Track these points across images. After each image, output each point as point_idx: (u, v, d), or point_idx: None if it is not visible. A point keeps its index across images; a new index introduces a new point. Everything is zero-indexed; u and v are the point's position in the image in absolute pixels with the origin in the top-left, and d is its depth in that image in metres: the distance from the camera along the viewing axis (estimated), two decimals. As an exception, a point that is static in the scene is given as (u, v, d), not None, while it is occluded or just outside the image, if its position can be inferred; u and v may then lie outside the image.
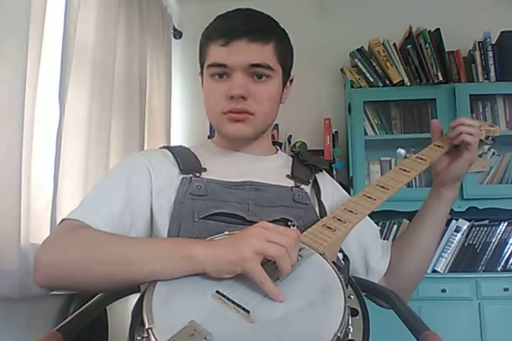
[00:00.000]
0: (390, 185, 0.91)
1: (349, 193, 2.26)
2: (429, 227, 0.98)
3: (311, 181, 1.01)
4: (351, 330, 0.62)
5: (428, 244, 0.99)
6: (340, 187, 1.10)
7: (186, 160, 0.94)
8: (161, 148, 1.01)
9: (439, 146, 0.98)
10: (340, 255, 0.86)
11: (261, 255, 0.65)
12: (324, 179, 1.06)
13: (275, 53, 0.92)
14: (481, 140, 0.99)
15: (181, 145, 1.01)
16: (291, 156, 1.07)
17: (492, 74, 2.35)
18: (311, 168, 1.03)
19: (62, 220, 0.84)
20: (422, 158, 0.96)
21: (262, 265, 0.65)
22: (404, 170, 0.94)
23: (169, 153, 0.97)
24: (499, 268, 2.23)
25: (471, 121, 0.95)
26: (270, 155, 1.04)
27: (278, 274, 0.67)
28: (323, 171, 1.08)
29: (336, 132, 2.51)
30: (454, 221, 2.30)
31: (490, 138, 1.03)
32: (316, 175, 1.04)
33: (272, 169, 1.00)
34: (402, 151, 1.01)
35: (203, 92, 0.97)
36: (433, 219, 0.98)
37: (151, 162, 0.93)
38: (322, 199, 0.98)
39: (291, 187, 0.95)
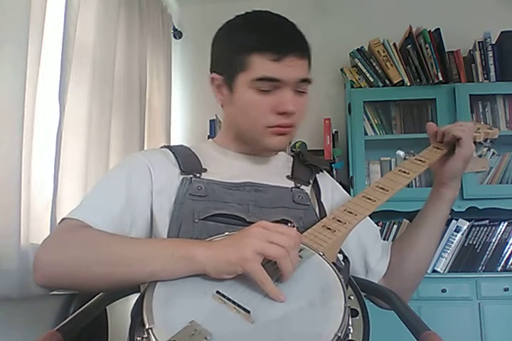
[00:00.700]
0: (390, 187, 0.91)
1: (349, 193, 2.26)
2: (429, 228, 0.98)
3: (311, 182, 1.01)
4: (351, 331, 0.62)
5: (428, 244, 0.99)
6: (341, 186, 1.10)
7: (187, 161, 0.94)
8: (162, 147, 1.01)
9: (437, 148, 0.99)
10: (341, 256, 0.86)
11: (261, 255, 0.65)
12: (324, 179, 1.06)
13: (309, 66, 0.94)
14: (479, 142, 1.00)
15: (182, 145, 1.01)
16: (292, 156, 1.07)
17: (492, 74, 2.35)
18: (311, 168, 1.03)
19: (63, 219, 0.84)
20: (421, 160, 0.97)
21: (262, 265, 0.65)
22: (404, 172, 0.95)
23: (170, 152, 0.96)
24: (499, 268, 2.23)
25: (460, 125, 0.96)
26: (271, 156, 1.03)
27: (281, 277, 0.66)
28: (324, 171, 1.08)
29: (336, 132, 2.51)
30: (454, 221, 2.30)
31: (488, 141, 1.04)
32: (317, 175, 1.03)
33: (272, 170, 1.00)
34: (401, 153, 1.01)
35: (237, 101, 0.91)
36: (434, 220, 0.98)
37: (151, 162, 0.92)
38: (322, 200, 0.98)
39: (291, 188, 0.95)
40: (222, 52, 0.94)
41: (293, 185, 0.96)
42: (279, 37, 0.89)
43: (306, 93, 0.93)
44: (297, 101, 0.90)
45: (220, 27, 0.97)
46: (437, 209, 0.98)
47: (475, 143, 0.97)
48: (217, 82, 0.95)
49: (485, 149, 1.03)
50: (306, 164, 1.03)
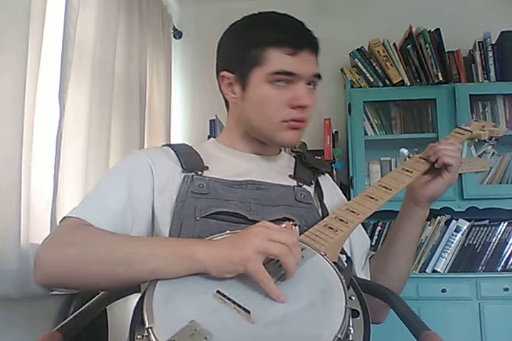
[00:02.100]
0: (393, 186, 0.91)
1: (349, 193, 2.27)
2: (401, 248, 0.97)
3: (313, 182, 1.01)
4: (352, 332, 0.62)
5: (401, 266, 0.97)
6: (340, 191, 1.10)
7: (189, 159, 0.94)
8: (163, 145, 1.01)
9: None
10: (344, 257, 0.86)
11: (263, 254, 0.65)
12: (326, 182, 1.06)
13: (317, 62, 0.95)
14: (484, 140, 1.00)
15: (184, 144, 1.01)
16: (294, 157, 1.07)
17: (492, 74, 2.34)
18: (313, 171, 1.03)
19: (64, 218, 0.83)
20: (424, 159, 0.96)
21: (263, 264, 0.65)
22: (407, 171, 0.94)
23: (171, 151, 0.96)
24: (499, 268, 2.23)
25: (449, 145, 0.94)
26: (273, 156, 1.03)
27: (285, 274, 0.66)
28: (326, 174, 1.08)
29: (336, 132, 2.51)
30: (454, 221, 2.30)
31: (493, 139, 1.03)
32: (319, 177, 1.04)
33: (274, 169, 1.00)
34: (405, 151, 1.01)
35: (252, 97, 0.92)
36: (405, 246, 0.97)
37: (153, 160, 0.92)
38: (324, 201, 0.98)
39: (294, 186, 0.95)
40: (234, 50, 0.94)
41: (295, 184, 0.96)
42: (296, 31, 0.91)
43: (315, 89, 0.95)
44: (310, 97, 0.92)
45: (228, 28, 0.97)
46: (410, 232, 0.97)
47: (479, 140, 0.97)
48: (228, 80, 0.94)
49: (489, 147, 1.03)
50: (308, 166, 1.03)
